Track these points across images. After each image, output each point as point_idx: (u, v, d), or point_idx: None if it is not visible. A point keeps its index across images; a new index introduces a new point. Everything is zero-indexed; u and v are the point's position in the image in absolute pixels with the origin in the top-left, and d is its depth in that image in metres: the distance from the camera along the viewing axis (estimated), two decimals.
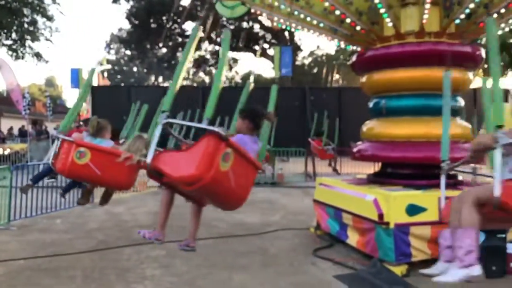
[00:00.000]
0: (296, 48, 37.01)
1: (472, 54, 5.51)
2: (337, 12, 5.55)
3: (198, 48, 35.29)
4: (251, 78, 4.09)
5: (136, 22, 37.41)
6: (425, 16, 5.23)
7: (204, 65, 40.24)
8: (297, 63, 39.65)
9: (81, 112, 20.10)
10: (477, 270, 2.99)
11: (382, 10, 5.33)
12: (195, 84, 40.59)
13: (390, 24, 5.42)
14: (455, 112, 5.52)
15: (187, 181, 2.97)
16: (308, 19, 5.92)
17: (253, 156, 3.70)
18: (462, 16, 5.31)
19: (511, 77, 25.46)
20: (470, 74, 5.58)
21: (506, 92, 18.09)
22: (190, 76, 42.61)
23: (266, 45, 37.87)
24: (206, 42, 36.45)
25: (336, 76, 44.06)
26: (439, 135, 5.30)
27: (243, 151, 3.35)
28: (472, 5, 5.16)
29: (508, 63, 23.72)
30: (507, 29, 6.24)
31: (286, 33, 32.91)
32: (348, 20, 5.59)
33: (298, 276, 4.49)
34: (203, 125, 3.13)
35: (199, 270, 4.64)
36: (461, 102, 5.61)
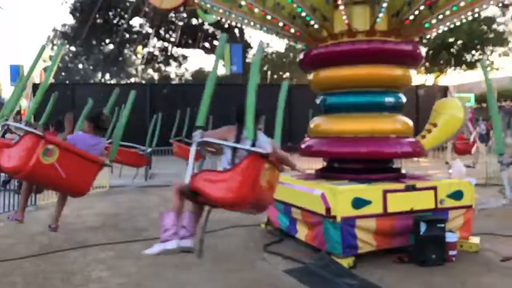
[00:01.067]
0: (247, 46, 37.07)
1: (413, 52, 5.74)
2: (294, 5, 5.62)
3: (146, 45, 34.62)
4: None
5: (81, 17, 36.12)
6: (379, 16, 5.39)
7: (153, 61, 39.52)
8: (247, 60, 39.72)
9: (22, 111, 19.21)
10: (171, 244, 3.51)
11: (341, 7, 5.44)
12: (143, 81, 39.77)
13: (346, 21, 5.54)
14: (397, 108, 5.74)
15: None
16: (257, 11, 5.96)
17: (95, 153, 4.83)
18: (412, 17, 5.52)
19: (450, 75, 26.83)
20: (411, 72, 5.81)
21: (445, 89, 19.10)
22: (139, 73, 41.73)
23: (216, 42, 37.66)
24: (155, 39, 35.77)
25: (287, 74, 44.55)
26: (383, 130, 5.55)
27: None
28: (422, 7, 5.38)
29: (447, 61, 24.96)
30: (445, 29, 6.55)
31: (237, 31, 32.91)
32: (303, 14, 5.66)
33: (248, 272, 4.53)
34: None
35: (149, 270, 4.57)
36: (403, 98, 5.83)
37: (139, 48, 36.38)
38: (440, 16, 5.72)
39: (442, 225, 4.79)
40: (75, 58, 45.28)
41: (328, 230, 4.74)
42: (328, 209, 4.72)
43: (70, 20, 39.62)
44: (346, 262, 4.59)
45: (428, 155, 7.02)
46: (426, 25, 5.81)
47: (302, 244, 5.28)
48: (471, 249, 5.17)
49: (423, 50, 5.85)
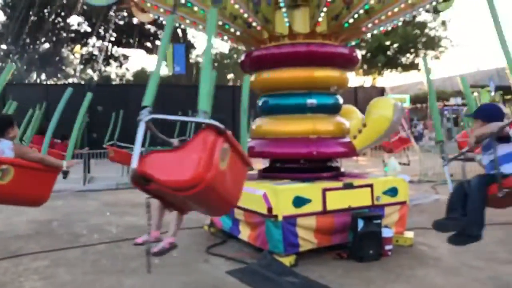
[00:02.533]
0: (190, 46, 36.70)
1: (350, 56, 5.92)
2: (236, 6, 5.62)
3: (86, 44, 33.39)
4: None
5: (13, 14, 34.17)
6: (319, 19, 5.50)
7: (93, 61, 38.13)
8: (191, 61, 39.34)
9: None
10: None
11: (283, 9, 5.49)
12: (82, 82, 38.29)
13: (288, 24, 5.61)
14: (335, 109, 5.90)
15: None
16: (201, 12, 5.92)
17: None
18: (351, 20, 5.68)
19: (387, 77, 27.99)
20: (348, 74, 5.99)
21: (382, 90, 19.92)
22: (77, 74, 40.11)
23: (158, 42, 36.98)
24: (94, 38, 34.53)
25: (231, 75, 44.57)
26: (322, 131, 5.65)
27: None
28: (361, 11, 5.56)
29: (384, 63, 26.02)
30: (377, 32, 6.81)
31: (179, 31, 32.51)
32: (245, 15, 5.67)
33: (190, 275, 4.48)
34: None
35: (85, 278, 4.40)
36: (340, 100, 5.99)
37: (77, 47, 34.99)
38: (376, 21, 5.96)
39: (379, 221, 4.98)
40: (6, 57, 42.75)
41: (270, 229, 4.79)
42: (270, 209, 4.77)
43: (1, 17, 37.45)
44: (288, 260, 4.66)
45: (359, 155, 7.24)
46: (362, 28, 6.03)
47: (245, 245, 5.30)
48: (405, 243, 5.42)
49: (359, 53, 6.04)
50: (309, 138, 5.51)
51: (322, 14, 5.47)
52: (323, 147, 5.46)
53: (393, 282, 4.27)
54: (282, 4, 5.41)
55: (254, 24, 5.72)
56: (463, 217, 3.58)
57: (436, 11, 6.53)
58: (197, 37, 35.07)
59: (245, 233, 5.29)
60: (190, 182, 2.40)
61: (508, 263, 4.79)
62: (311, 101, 5.61)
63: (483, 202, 3.53)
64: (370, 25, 6.09)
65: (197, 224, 6.40)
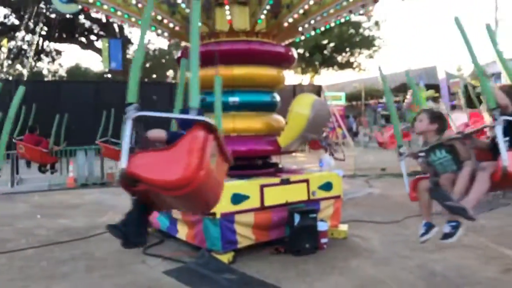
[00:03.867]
0: (127, 41, 35.65)
1: (287, 55, 6.00)
2: (179, 1, 5.51)
3: (13, 37, 31.44)
4: None
5: None
6: (261, 17, 5.51)
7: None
8: (128, 56, 38.25)
9: None
10: None
11: (226, 7, 5.45)
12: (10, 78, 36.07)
13: (229, 21, 5.56)
14: (271, 107, 5.96)
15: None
16: (140, 5, 5.76)
17: None
18: (294, 16, 5.73)
19: (324, 75, 28.74)
20: (284, 72, 6.07)
21: (319, 88, 20.46)
22: (5, 69, 37.72)
23: (93, 37, 35.63)
24: (23, 31, 32.62)
25: (170, 71, 43.84)
26: (260, 129, 5.68)
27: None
28: (301, 11, 5.62)
29: (321, 62, 26.69)
30: (319, 31, 6.97)
31: (116, 25, 31.49)
32: (187, 11, 5.57)
33: (125, 276, 4.36)
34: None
35: (12, 285, 4.15)
36: (277, 98, 6.07)
37: (4, 41, 32.89)
38: (312, 21, 6.09)
39: (314, 215, 5.11)
40: None
41: (208, 227, 4.77)
42: None
43: None
44: (226, 257, 4.66)
45: (298, 151, 7.36)
46: (300, 28, 6.14)
47: (183, 244, 5.25)
48: (340, 236, 5.60)
49: (295, 52, 6.15)
50: (247, 136, 5.53)
51: (265, 12, 5.50)
52: (239, 146, 5.37)
53: (328, 274, 4.40)
54: (226, 1, 5.38)
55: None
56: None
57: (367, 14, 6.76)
58: (135, 32, 34.13)
59: (182, 232, 5.23)
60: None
61: (433, 251, 5.07)
62: (233, 99, 5.62)
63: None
64: (306, 26, 6.20)
65: None
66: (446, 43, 75.20)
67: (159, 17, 5.77)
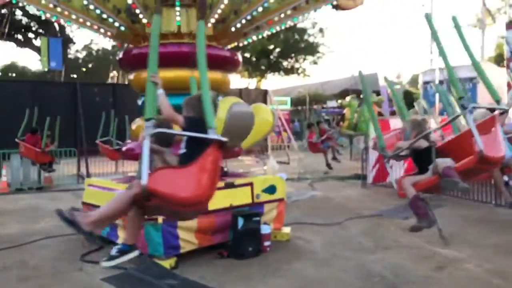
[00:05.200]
0: (68, 40, 34.31)
1: (232, 59, 6.02)
2: (129, 1, 5.36)
3: None
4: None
5: None
6: (211, 20, 5.49)
7: None
8: (69, 56, 36.81)
9: None
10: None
11: (177, 8, 5.37)
12: None
13: (178, 23, 5.50)
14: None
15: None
16: (85, 2, 5.57)
17: None
18: (238, 25, 5.76)
19: (270, 80, 29.11)
20: (229, 76, 6.09)
21: (265, 92, 20.66)
22: None
23: (31, 35, 33.98)
24: None
25: (114, 72, 42.65)
26: None
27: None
28: (248, 17, 5.65)
29: (267, 67, 27.00)
30: (265, 35, 7.05)
31: (56, 24, 30.23)
32: (137, 11, 5.45)
33: (62, 285, 4.19)
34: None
35: None
36: None
37: None
38: (258, 27, 6.17)
39: (258, 218, 5.15)
40: None
41: (150, 232, 4.67)
42: None
43: None
44: (168, 263, 4.59)
45: (244, 154, 7.41)
46: (244, 32, 6.19)
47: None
48: (283, 238, 5.67)
49: (240, 57, 6.19)
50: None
51: (216, 16, 5.50)
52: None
53: (271, 277, 4.44)
54: (177, 3, 5.31)
55: (144, 20, 5.55)
56: None
57: (342, 8, 6.82)
58: (76, 32, 32.91)
59: (123, 237, 5.08)
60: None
61: (372, 252, 5.26)
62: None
63: None
64: (252, 31, 6.27)
65: (71, 231, 5.98)
66: (386, 51, 78.57)
67: (105, 16, 5.60)
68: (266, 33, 6.75)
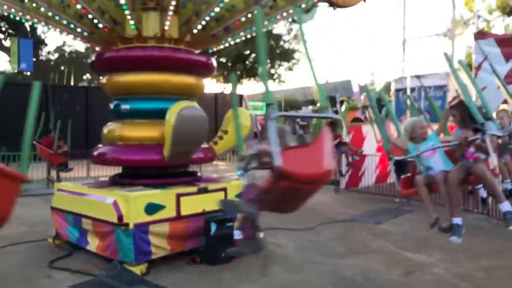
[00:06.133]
0: (40, 42, 33.60)
1: (205, 63, 5.99)
2: (78, 6, 5.26)
3: None
4: None
5: None
6: (167, 23, 5.43)
7: None
8: (41, 58, 36.02)
9: None
10: None
11: (127, 12, 5.29)
12: None
13: (133, 27, 5.43)
14: None
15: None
16: (42, 10, 5.43)
17: None
18: (199, 26, 5.73)
19: (247, 85, 29.20)
20: (203, 81, 6.06)
21: (240, 97, 20.68)
22: None
23: (1, 35, 33.12)
24: None
25: (87, 75, 41.94)
26: None
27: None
28: (208, 18, 5.63)
29: (243, 72, 27.02)
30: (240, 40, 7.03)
31: (27, 24, 29.56)
32: (90, 16, 5.36)
33: None
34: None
35: None
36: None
37: None
38: (235, 36, 6.16)
39: (231, 224, 5.12)
40: None
41: (121, 238, 4.60)
42: (120, 217, 4.59)
43: None
44: (139, 269, 4.53)
45: (219, 159, 7.40)
46: (223, 41, 6.19)
47: (94, 256, 5.01)
48: None
49: (214, 61, 6.16)
50: (162, 145, 5.38)
51: (169, 18, 5.43)
52: (155, 155, 5.29)
53: (243, 282, 4.44)
54: (124, 7, 5.23)
55: (101, 25, 5.46)
56: None
57: (340, 6, 6.73)
58: (48, 33, 32.25)
59: (93, 243, 5.00)
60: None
61: (344, 256, 5.32)
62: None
63: None
64: (221, 33, 6.22)
65: (39, 237, 5.85)
66: (360, 58, 79.86)
67: (65, 22, 5.49)
68: (241, 36, 6.73)
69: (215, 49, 7.02)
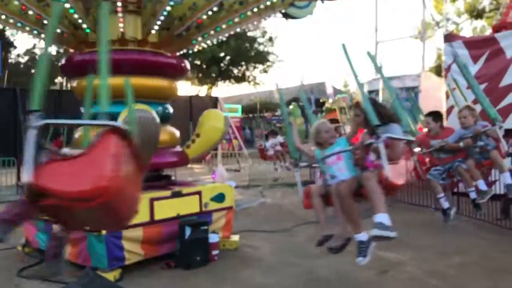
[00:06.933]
0: (8, 44, 32.76)
1: (179, 66, 5.95)
2: (67, 5, 5.16)
3: None
4: None
5: None
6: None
7: None
8: (10, 61, 35.14)
9: None
10: None
11: (75, 16, 5.21)
12: None
13: (122, 30, 5.36)
14: (164, 119, 5.85)
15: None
16: (4, 17, 5.31)
17: None
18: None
19: (222, 87, 29.11)
20: (176, 83, 6.02)
21: (216, 100, 20.64)
22: None
23: None
24: None
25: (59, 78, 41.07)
26: None
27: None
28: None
29: (218, 74, 26.99)
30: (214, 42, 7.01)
31: None
32: (75, 16, 5.26)
33: None
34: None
35: None
36: (170, 109, 5.98)
37: None
38: (206, 35, 6.13)
39: (206, 227, 5.11)
40: None
41: (93, 244, 4.52)
42: None
43: None
44: (113, 275, 4.46)
45: (191, 163, 7.34)
46: (193, 41, 6.14)
47: (66, 263, 4.89)
48: (231, 247, 5.65)
49: (188, 64, 6.13)
50: None
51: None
52: (164, 157, 5.36)
53: (218, 285, 4.42)
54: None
55: (84, 26, 5.36)
56: None
57: (291, 17, 6.76)
58: (17, 36, 31.41)
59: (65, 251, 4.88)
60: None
61: (319, 257, 5.33)
62: (156, 110, 5.45)
63: None
64: (200, 39, 6.22)
65: (6, 245, 5.66)
66: (334, 60, 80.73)
67: (45, 21, 5.38)
68: (214, 40, 6.72)
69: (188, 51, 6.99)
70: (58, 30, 5.55)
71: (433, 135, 5.13)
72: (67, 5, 5.12)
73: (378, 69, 3.91)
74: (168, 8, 5.26)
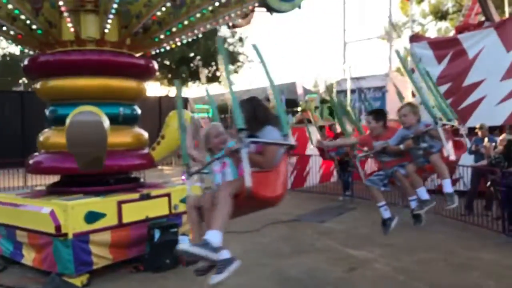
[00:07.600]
0: None
1: (145, 66, 5.87)
2: (10, 7, 4.98)
3: None
4: None
5: None
6: (107, 26, 5.26)
7: None
8: None
9: None
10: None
11: (22, 17, 5.06)
12: None
13: (72, 29, 5.21)
14: (132, 120, 5.77)
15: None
16: None
17: None
18: (141, 30, 5.60)
19: (191, 88, 28.94)
20: (144, 84, 5.93)
21: (186, 101, 20.46)
22: None
23: None
24: None
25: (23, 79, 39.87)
26: (118, 143, 5.41)
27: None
28: (150, 21, 5.51)
29: (188, 74, 26.77)
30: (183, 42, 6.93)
31: None
32: (23, 17, 5.09)
33: None
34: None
35: None
36: (138, 110, 5.89)
37: None
38: (168, 32, 6.05)
39: (175, 229, 5.06)
40: None
41: (59, 249, 4.41)
42: (58, 227, 4.40)
43: None
44: (80, 280, 4.37)
45: (163, 164, 7.28)
46: (156, 39, 6.06)
47: (30, 270, 4.77)
48: None
49: (156, 64, 6.04)
50: (114, 151, 5.14)
51: (110, 21, 5.28)
52: (115, 161, 5.20)
53: None
54: (63, 9, 5.01)
55: (34, 27, 5.21)
56: None
57: (275, 11, 6.65)
58: None
59: (29, 257, 4.76)
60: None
61: (290, 257, 5.39)
62: (122, 112, 5.41)
63: None
64: (163, 36, 6.11)
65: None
66: (304, 61, 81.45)
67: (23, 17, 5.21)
68: (183, 39, 6.63)
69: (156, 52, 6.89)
70: (12, 33, 5.39)
71: (375, 135, 4.59)
72: (10, 6, 4.93)
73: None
74: (115, 5, 5.14)
